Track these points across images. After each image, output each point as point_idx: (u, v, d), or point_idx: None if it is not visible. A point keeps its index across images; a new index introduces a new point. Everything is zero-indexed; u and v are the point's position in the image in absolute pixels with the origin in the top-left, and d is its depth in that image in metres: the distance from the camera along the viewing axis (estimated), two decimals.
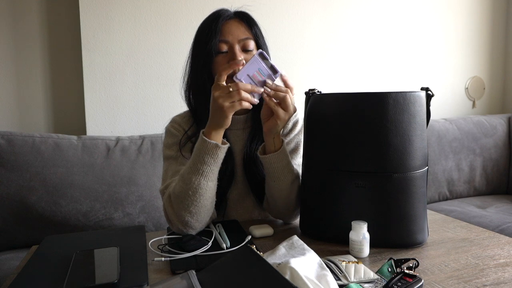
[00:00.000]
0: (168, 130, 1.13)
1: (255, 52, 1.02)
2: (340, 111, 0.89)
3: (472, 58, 2.60)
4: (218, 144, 0.90)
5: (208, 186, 0.91)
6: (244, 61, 0.93)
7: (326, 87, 2.22)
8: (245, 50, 1.04)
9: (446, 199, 2.25)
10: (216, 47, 1.02)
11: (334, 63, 2.27)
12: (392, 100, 0.84)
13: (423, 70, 2.48)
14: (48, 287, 0.70)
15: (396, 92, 0.85)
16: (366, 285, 0.69)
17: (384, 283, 0.69)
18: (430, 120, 2.29)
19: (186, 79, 1.12)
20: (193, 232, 0.94)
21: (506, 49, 2.66)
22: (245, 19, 1.06)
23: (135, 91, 1.92)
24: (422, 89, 0.90)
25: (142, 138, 1.79)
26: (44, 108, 1.88)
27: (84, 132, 1.87)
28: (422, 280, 0.69)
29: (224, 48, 1.03)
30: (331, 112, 0.90)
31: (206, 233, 0.95)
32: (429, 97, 0.90)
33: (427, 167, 0.90)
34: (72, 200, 1.60)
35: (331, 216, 0.91)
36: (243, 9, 1.10)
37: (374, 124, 0.85)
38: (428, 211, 1.14)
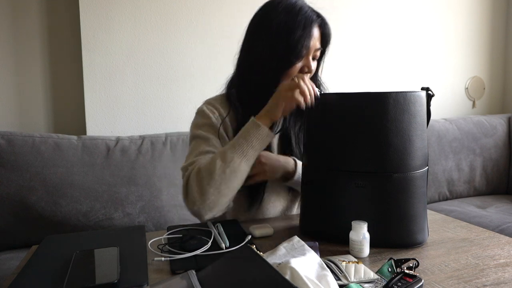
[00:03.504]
0: (201, 110, 1.11)
1: (316, 61, 1.08)
2: (340, 111, 0.89)
3: (472, 58, 2.60)
4: (272, 133, 0.94)
5: (246, 170, 0.94)
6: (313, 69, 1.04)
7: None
8: (314, 59, 1.06)
9: (446, 199, 2.25)
10: (302, 52, 1.01)
11: (334, 63, 2.27)
12: (393, 100, 0.84)
13: (423, 70, 2.48)
14: (48, 287, 0.70)
15: (397, 92, 0.85)
16: (366, 285, 0.69)
17: (384, 283, 0.69)
18: (430, 120, 2.30)
19: (250, 58, 1.06)
20: (207, 217, 0.94)
21: (506, 49, 2.66)
22: (323, 28, 1.06)
23: (135, 91, 1.92)
24: (422, 89, 0.90)
25: (142, 138, 1.79)
26: (44, 108, 1.88)
27: (84, 132, 1.87)
28: (422, 280, 0.68)
29: (305, 51, 1.02)
30: (331, 112, 0.90)
31: (205, 233, 0.95)
32: (429, 97, 0.90)
33: (427, 167, 0.90)
34: (72, 200, 1.60)
35: (331, 216, 0.91)
36: (322, 12, 1.08)
37: (374, 124, 0.85)
38: (428, 211, 1.14)
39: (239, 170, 0.91)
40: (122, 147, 1.72)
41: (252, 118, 0.95)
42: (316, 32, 1.03)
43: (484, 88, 2.64)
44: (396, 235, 0.87)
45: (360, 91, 0.88)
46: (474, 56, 2.60)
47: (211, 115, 1.09)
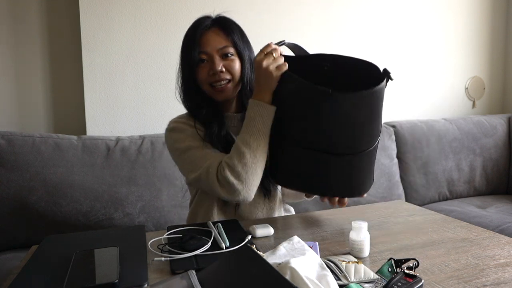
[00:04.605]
0: (174, 127, 1.14)
1: (235, 56, 1.11)
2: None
3: (472, 58, 2.60)
4: (274, 106, 0.99)
5: (267, 145, 1.01)
6: (223, 69, 1.07)
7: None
8: (225, 56, 1.10)
9: (446, 199, 2.25)
10: (196, 58, 1.09)
11: None
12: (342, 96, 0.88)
13: (423, 70, 2.48)
14: (48, 287, 0.70)
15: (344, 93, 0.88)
16: (366, 285, 0.69)
17: (384, 283, 0.69)
18: (430, 120, 2.30)
19: (179, 83, 1.18)
20: (251, 198, 1.02)
21: (506, 49, 2.66)
22: (222, 27, 1.11)
23: (135, 91, 1.92)
24: (384, 70, 0.94)
25: (142, 138, 1.79)
26: (44, 108, 1.88)
27: (84, 132, 1.87)
28: (422, 280, 0.69)
29: (204, 57, 1.09)
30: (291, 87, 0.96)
31: (205, 233, 0.95)
32: (387, 80, 0.93)
33: (375, 144, 0.98)
34: (72, 200, 1.60)
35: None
36: (223, 14, 1.14)
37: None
38: (428, 211, 1.14)
39: (265, 150, 1.00)
40: (122, 147, 1.72)
41: (251, 100, 1.00)
42: (208, 36, 1.09)
43: (484, 88, 2.64)
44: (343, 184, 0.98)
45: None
46: (474, 56, 2.60)
47: (184, 127, 1.12)
